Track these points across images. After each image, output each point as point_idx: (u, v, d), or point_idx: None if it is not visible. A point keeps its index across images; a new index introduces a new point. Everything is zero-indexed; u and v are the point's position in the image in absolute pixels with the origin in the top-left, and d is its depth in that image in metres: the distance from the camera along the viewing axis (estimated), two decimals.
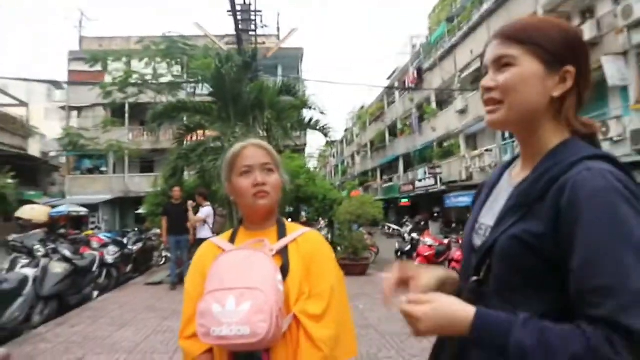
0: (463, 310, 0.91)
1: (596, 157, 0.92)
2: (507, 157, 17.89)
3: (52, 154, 33.44)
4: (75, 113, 30.12)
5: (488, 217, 1.11)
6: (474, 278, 1.03)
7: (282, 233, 1.50)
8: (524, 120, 1.01)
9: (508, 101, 0.99)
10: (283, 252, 1.43)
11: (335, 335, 1.38)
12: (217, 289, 1.31)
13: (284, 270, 1.38)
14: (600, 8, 14.05)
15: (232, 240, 1.52)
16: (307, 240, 1.49)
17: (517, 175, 1.10)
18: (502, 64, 1.01)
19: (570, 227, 0.86)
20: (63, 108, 31.11)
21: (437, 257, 9.91)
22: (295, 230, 1.52)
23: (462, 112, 22.03)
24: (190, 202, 8.69)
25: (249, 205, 1.48)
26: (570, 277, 0.86)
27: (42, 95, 40.02)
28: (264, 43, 11.78)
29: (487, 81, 1.03)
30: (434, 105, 26.67)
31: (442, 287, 1.10)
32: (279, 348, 1.34)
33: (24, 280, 6.09)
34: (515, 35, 1.01)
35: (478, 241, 1.08)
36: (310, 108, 10.53)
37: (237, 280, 1.31)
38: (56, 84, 37.68)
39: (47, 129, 34.00)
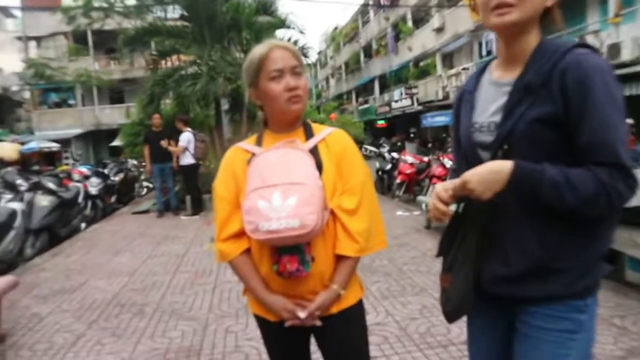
0: (501, 163, 1.15)
1: (581, 46, 1.17)
2: None
3: (14, 88, 31.84)
4: (33, 43, 28.37)
5: (484, 116, 1.29)
6: None
7: (309, 133, 1.51)
8: (527, 23, 1.19)
9: (522, 5, 1.15)
10: (314, 151, 1.45)
11: (368, 227, 1.46)
12: (260, 187, 1.34)
13: (318, 168, 1.41)
14: None
15: (258, 143, 1.52)
16: (336, 138, 1.52)
17: (501, 75, 1.28)
18: None
19: (580, 98, 1.11)
20: (19, 39, 29.21)
21: (418, 175, 10.10)
22: (321, 130, 1.54)
23: (439, 30, 21.62)
24: (163, 142, 8.52)
25: (281, 110, 1.46)
26: (581, 135, 1.11)
27: None
28: None
29: None
30: (410, 24, 26.02)
31: None
32: (318, 241, 1.40)
33: (13, 214, 6.04)
34: None
35: (485, 137, 1.27)
36: (289, 27, 10.16)
37: (280, 176, 1.34)
38: (4, 11, 34.99)
39: (3, 62, 32.09)
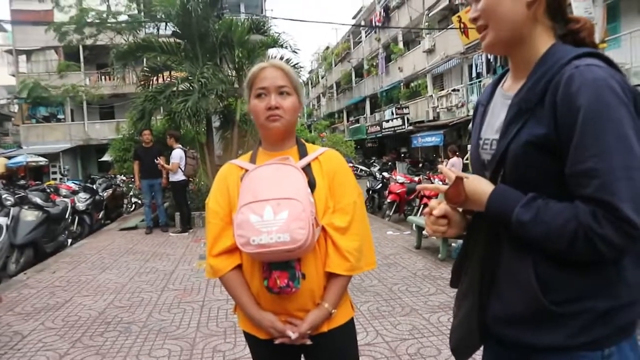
0: (487, 185, 1.09)
1: (583, 55, 1.00)
2: (473, 97, 18.18)
3: (2, 101, 31.65)
4: (23, 57, 28.29)
5: (489, 132, 1.19)
6: None
7: (303, 152, 1.52)
8: (513, 34, 1.08)
9: (491, 23, 1.08)
10: (307, 169, 1.46)
11: (360, 246, 1.46)
12: (252, 201, 1.34)
13: (311, 185, 1.42)
14: None
15: (252, 160, 1.53)
16: (329, 158, 1.53)
17: (509, 88, 1.17)
18: None
19: (566, 119, 0.96)
20: (9, 52, 29.12)
21: (409, 194, 10.15)
22: (315, 149, 1.55)
23: (430, 51, 21.93)
24: (158, 162, 8.47)
25: (261, 126, 1.50)
26: (567, 163, 0.97)
27: None
28: None
29: (471, 13, 1.12)
30: (401, 45, 26.40)
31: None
32: (309, 258, 1.40)
33: None
34: None
35: (486, 156, 1.17)
36: (281, 46, 10.26)
37: (271, 191, 1.35)
38: None
39: None
